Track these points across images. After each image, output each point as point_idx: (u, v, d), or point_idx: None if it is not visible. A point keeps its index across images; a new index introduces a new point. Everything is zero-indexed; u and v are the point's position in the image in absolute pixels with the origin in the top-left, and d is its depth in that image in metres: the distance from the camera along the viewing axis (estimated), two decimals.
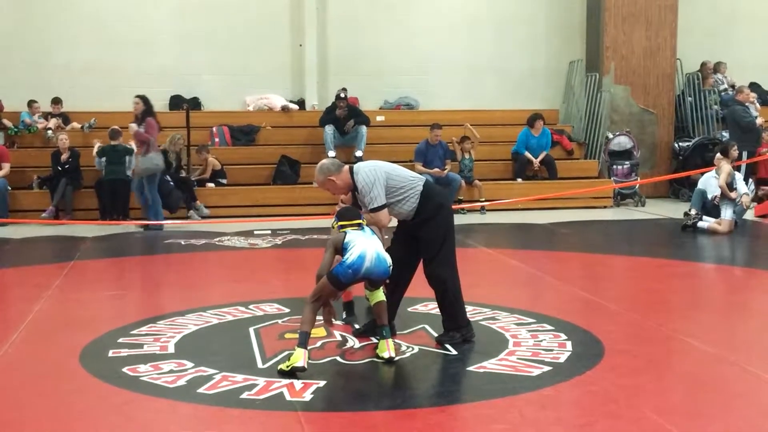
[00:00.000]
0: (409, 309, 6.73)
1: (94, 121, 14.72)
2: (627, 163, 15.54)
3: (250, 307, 7.09)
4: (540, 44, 17.09)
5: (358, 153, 14.46)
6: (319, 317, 5.51)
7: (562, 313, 6.81)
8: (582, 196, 14.77)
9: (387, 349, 5.48)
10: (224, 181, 14.37)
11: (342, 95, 14.83)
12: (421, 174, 6.85)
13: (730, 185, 11.62)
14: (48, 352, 5.89)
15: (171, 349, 5.85)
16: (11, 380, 5.29)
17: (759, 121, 14.79)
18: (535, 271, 9.14)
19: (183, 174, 13.98)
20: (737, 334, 6.63)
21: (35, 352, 5.92)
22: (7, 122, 14.57)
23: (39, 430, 4.46)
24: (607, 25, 16.09)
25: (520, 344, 5.91)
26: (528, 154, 15.16)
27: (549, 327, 6.37)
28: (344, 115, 14.75)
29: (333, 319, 5.70)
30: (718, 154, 12.05)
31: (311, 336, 5.35)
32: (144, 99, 12.33)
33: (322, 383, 5.05)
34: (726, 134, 15.12)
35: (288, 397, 4.82)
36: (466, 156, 14.56)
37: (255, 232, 11.77)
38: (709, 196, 11.68)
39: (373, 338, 5.90)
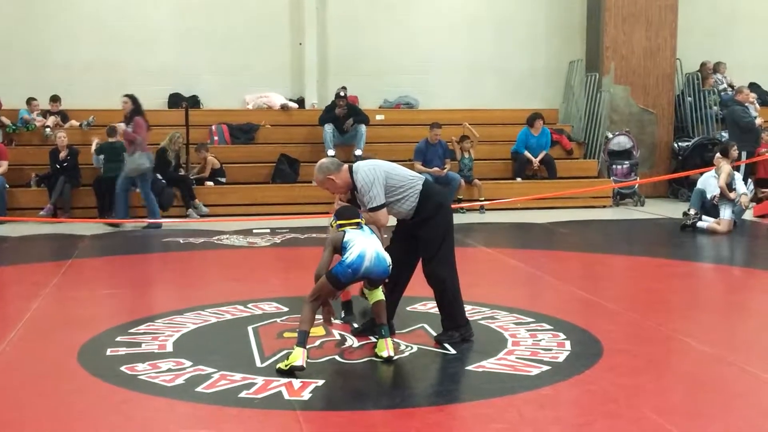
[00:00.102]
0: (408, 308, 6.73)
1: (93, 119, 14.70)
2: (626, 162, 15.54)
3: (249, 305, 7.08)
4: (540, 44, 17.09)
5: (358, 152, 14.44)
6: (318, 316, 5.51)
7: (561, 313, 6.80)
8: (581, 196, 14.77)
9: (386, 348, 5.47)
10: (223, 179, 14.35)
11: (342, 94, 14.82)
12: (420, 173, 6.84)
13: (729, 185, 11.62)
14: (46, 351, 5.88)
15: (169, 348, 5.84)
16: (9, 379, 5.28)
17: (758, 121, 14.78)
18: (534, 270, 9.14)
19: (182, 172, 13.96)
20: (736, 334, 6.63)
21: (33, 350, 5.91)
22: (5, 120, 14.55)
23: (37, 429, 4.45)
24: (607, 25, 16.09)
25: (519, 344, 5.90)
26: (527, 154, 15.15)
27: (548, 326, 6.37)
28: (344, 114, 14.75)
29: (332, 319, 5.69)
30: (718, 154, 12.05)
31: (310, 335, 5.34)
32: (132, 98, 12.28)
33: (320, 382, 5.04)
34: (725, 134, 15.12)
35: (286, 396, 4.81)
36: (466, 155, 14.56)
37: (254, 231, 11.76)
38: (708, 196, 11.68)
39: (371, 337, 5.90)
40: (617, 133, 15.75)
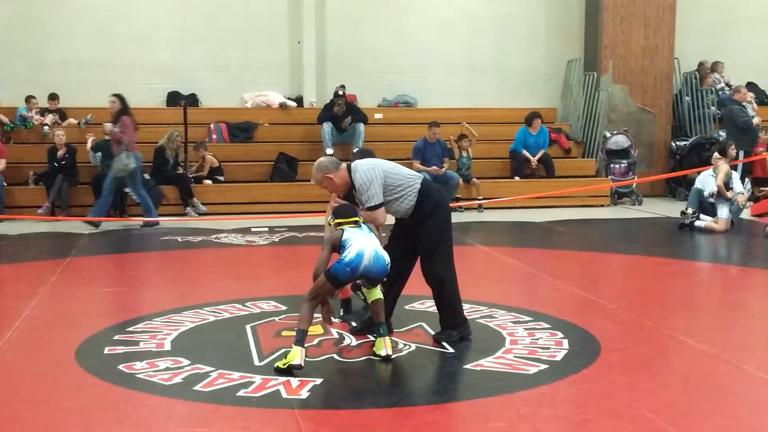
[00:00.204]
0: (406, 307, 6.73)
1: (91, 117, 14.68)
2: (624, 161, 15.56)
3: (247, 304, 7.09)
4: (538, 43, 17.09)
5: (356, 151, 14.40)
6: (317, 315, 5.51)
7: (559, 312, 6.82)
8: (579, 195, 14.78)
9: (384, 346, 5.48)
10: (222, 178, 14.35)
11: (340, 92, 14.82)
12: (419, 172, 6.84)
13: (727, 184, 11.63)
14: (44, 349, 5.88)
15: (167, 347, 5.84)
16: (7, 377, 5.28)
17: (756, 120, 14.79)
18: (532, 269, 9.15)
19: (180, 171, 13.96)
20: (733, 332, 6.65)
21: (31, 349, 5.92)
22: (3, 118, 14.53)
23: (34, 427, 4.44)
24: (606, 24, 16.10)
25: (517, 342, 5.91)
26: (526, 153, 15.16)
27: (546, 325, 6.38)
28: (342, 113, 14.74)
29: (332, 318, 5.69)
30: (716, 154, 12.06)
31: (308, 334, 5.35)
32: (120, 98, 12.22)
33: (318, 381, 5.05)
34: (723, 134, 15.13)
35: (285, 395, 4.81)
36: (464, 154, 14.57)
37: (252, 230, 11.76)
38: (706, 193, 11.70)
39: (370, 336, 5.91)
40: (615, 132, 15.77)
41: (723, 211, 11.52)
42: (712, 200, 11.63)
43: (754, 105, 15.87)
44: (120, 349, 5.78)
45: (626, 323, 6.58)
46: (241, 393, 4.85)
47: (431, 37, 16.57)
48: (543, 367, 5.34)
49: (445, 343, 5.84)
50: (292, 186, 14.30)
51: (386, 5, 16.60)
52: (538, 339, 5.99)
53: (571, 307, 7.18)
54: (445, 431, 4.51)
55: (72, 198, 13.30)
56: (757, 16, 17.72)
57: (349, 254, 5.30)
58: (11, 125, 14.55)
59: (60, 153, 13.36)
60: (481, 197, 14.32)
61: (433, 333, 6.07)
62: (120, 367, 5.36)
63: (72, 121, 14.80)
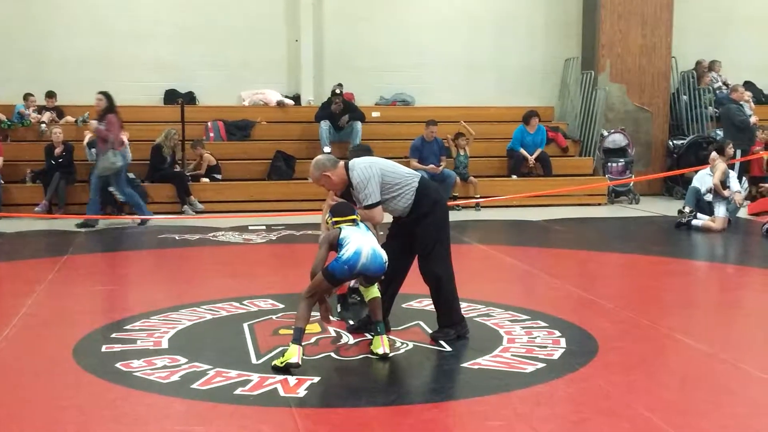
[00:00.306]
0: (403, 305, 6.73)
1: (88, 115, 14.66)
2: (621, 160, 15.57)
3: (245, 302, 7.09)
4: (536, 42, 17.09)
5: (353, 147, 14.40)
6: (315, 313, 5.50)
7: (556, 310, 6.82)
8: (576, 194, 14.78)
9: (381, 345, 5.48)
10: (219, 176, 14.34)
11: (338, 91, 14.82)
12: (416, 170, 6.84)
13: (724, 183, 11.64)
14: (41, 347, 5.88)
15: (164, 345, 5.84)
16: (4, 375, 5.28)
17: (753, 119, 14.82)
18: (529, 268, 9.15)
19: (177, 169, 13.95)
20: (730, 331, 6.66)
21: (28, 347, 5.91)
22: (0, 116, 14.51)
23: (32, 426, 4.44)
24: (603, 23, 16.10)
25: (515, 341, 5.91)
26: (523, 151, 15.16)
27: (543, 324, 6.38)
28: (339, 111, 14.74)
29: (330, 316, 5.69)
30: (714, 153, 12.07)
31: (306, 332, 5.35)
32: (107, 95, 12.13)
33: (316, 379, 5.05)
34: (720, 133, 15.15)
35: (282, 393, 4.81)
36: (461, 152, 14.57)
37: (249, 228, 11.75)
38: (703, 190, 11.72)
39: (367, 334, 5.90)
40: (612, 131, 15.77)
41: (720, 210, 11.53)
42: (709, 196, 11.63)
43: (752, 104, 15.90)
44: (117, 347, 5.78)
45: (624, 322, 6.58)
46: (238, 391, 4.85)
47: (428, 35, 16.57)
48: (540, 365, 5.35)
49: (442, 342, 5.84)
50: (289, 184, 14.30)
51: (384, 4, 16.61)
52: (535, 338, 6.00)
53: (569, 306, 7.18)
54: (443, 430, 4.51)
55: (69, 196, 13.29)
56: (755, 15, 17.73)
57: (346, 252, 5.30)
58: (8, 123, 14.53)
59: (57, 151, 13.34)
60: (478, 196, 14.34)
61: (430, 331, 6.07)
62: (117, 365, 5.36)
63: (69, 119, 14.80)
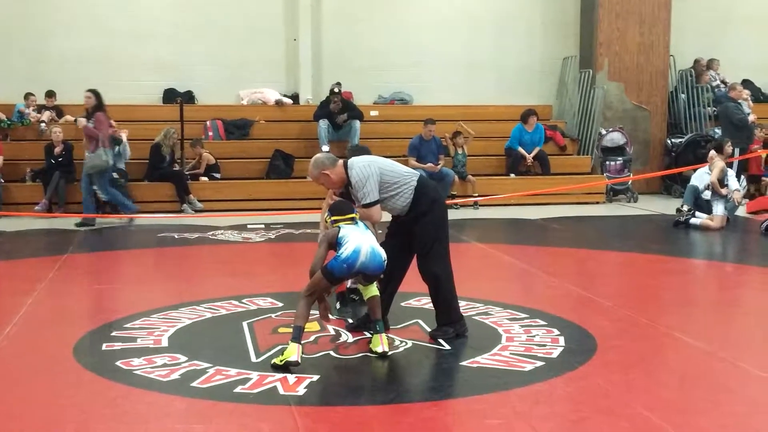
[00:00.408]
0: (402, 304, 6.74)
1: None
2: (620, 159, 15.59)
3: (244, 301, 7.10)
4: (534, 40, 17.10)
5: (352, 146, 14.41)
6: (314, 312, 5.51)
7: (554, 309, 6.83)
8: (575, 192, 14.78)
9: (380, 343, 5.49)
10: (218, 175, 14.35)
11: (336, 90, 14.83)
12: (414, 169, 6.86)
13: (722, 181, 11.66)
14: (41, 346, 5.88)
15: (164, 343, 5.85)
16: (5, 373, 5.28)
17: (751, 118, 14.83)
18: (527, 266, 9.17)
19: (176, 168, 13.96)
20: (728, 330, 6.67)
21: (29, 345, 5.92)
22: (0, 115, 14.52)
23: (32, 424, 4.45)
24: (601, 21, 16.10)
25: (513, 339, 5.92)
26: (521, 150, 15.17)
27: (542, 322, 6.39)
28: (338, 110, 14.75)
29: (329, 315, 5.70)
30: (712, 151, 12.08)
31: (305, 330, 5.36)
32: (95, 93, 12.09)
33: (315, 378, 5.06)
34: (718, 131, 15.16)
35: (281, 392, 4.82)
36: (459, 151, 14.58)
37: (248, 226, 11.76)
38: (701, 188, 11.74)
39: (366, 333, 5.91)
40: (611, 129, 15.78)
41: (718, 209, 11.54)
42: (707, 194, 11.65)
43: (750, 102, 15.89)
44: (117, 346, 5.78)
45: (622, 320, 6.59)
46: (238, 389, 4.86)
47: (426, 34, 16.56)
48: (539, 364, 5.36)
49: (441, 340, 5.85)
50: (288, 183, 14.31)
51: (383, 3, 16.62)
52: (534, 336, 6.01)
53: (567, 305, 7.19)
54: (442, 428, 4.52)
55: (69, 195, 13.26)
56: (753, 14, 17.74)
57: (345, 251, 5.31)
58: (8, 122, 14.53)
59: (57, 150, 13.34)
60: (476, 194, 14.34)
61: (429, 330, 6.08)
62: (118, 363, 5.37)
63: (69, 118, 14.78)
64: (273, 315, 6.64)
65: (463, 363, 5.43)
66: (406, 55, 16.54)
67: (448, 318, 5.98)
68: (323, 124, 14.71)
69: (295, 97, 16.23)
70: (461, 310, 6.11)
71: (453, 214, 10.83)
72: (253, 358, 5.48)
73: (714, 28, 17.51)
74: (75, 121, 14.50)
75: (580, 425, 4.44)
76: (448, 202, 11.92)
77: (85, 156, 12.21)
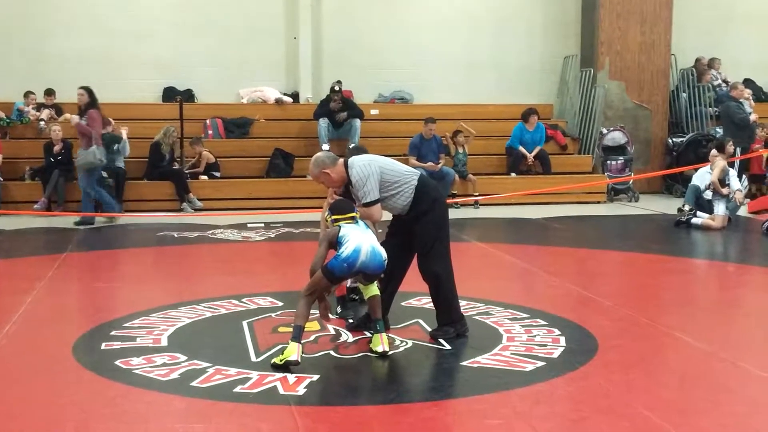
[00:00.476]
0: (402, 303, 6.73)
1: None
2: (621, 158, 15.57)
3: (244, 300, 7.08)
4: (535, 39, 17.09)
5: (352, 146, 14.39)
6: (314, 311, 5.50)
7: (555, 309, 6.82)
8: (576, 191, 14.76)
9: (381, 343, 5.47)
10: (218, 173, 14.33)
11: (337, 88, 14.81)
12: (415, 168, 6.84)
13: (723, 181, 11.64)
14: (40, 345, 5.87)
15: (164, 342, 5.84)
16: (4, 372, 5.27)
17: (753, 117, 14.81)
18: (528, 266, 9.15)
19: (176, 166, 13.95)
20: (729, 330, 6.65)
21: (28, 344, 5.91)
22: (0, 113, 14.52)
23: (31, 423, 4.44)
24: (602, 20, 16.09)
25: (514, 339, 5.91)
26: (522, 149, 15.15)
27: (543, 322, 6.38)
28: (338, 108, 14.73)
29: (329, 314, 5.69)
30: (714, 150, 12.06)
31: (305, 330, 5.34)
32: (88, 91, 12.08)
33: (315, 377, 5.05)
34: (719, 130, 15.14)
35: (281, 391, 4.81)
36: (460, 150, 14.57)
37: (248, 225, 11.75)
38: (703, 187, 11.73)
39: (366, 332, 5.90)
40: (612, 128, 15.77)
41: (719, 208, 11.53)
42: (709, 194, 11.64)
43: (752, 102, 15.88)
44: (117, 345, 5.77)
45: (623, 320, 6.58)
46: (237, 389, 4.85)
47: (427, 33, 16.56)
48: (540, 364, 5.34)
49: (441, 340, 5.84)
50: (288, 182, 14.30)
51: (383, 2, 16.60)
52: (534, 336, 5.99)
53: (568, 304, 7.18)
54: (442, 428, 4.51)
55: (68, 193, 13.24)
56: (754, 13, 17.73)
57: (346, 250, 5.29)
58: (7, 120, 14.52)
59: (56, 148, 13.32)
60: (477, 193, 14.33)
61: (429, 330, 6.07)
62: (117, 362, 5.36)
63: (68, 116, 14.75)
64: (273, 314, 6.63)
65: (464, 363, 5.41)
66: (407, 55, 16.53)
67: (448, 318, 5.97)
68: (323, 122, 14.70)
69: (295, 96, 16.22)
70: (462, 310, 6.10)
71: (453, 214, 10.82)
72: (253, 358, 5.46)
73: (715, 27, 17.50)
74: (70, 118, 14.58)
75: (581, 425, 4.42)
76: (449, 201, 11.91)
77: (77, 152, 12.20)
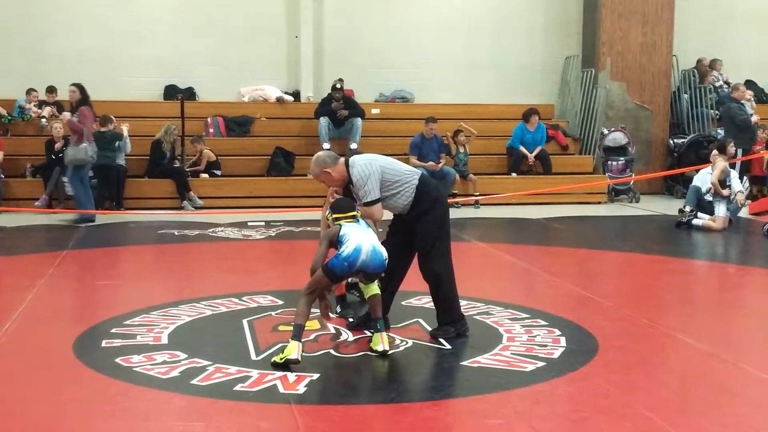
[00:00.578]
0: (403, 303, 6.73)
1: None
2: (622, 159, 15.57)
3: (244, 298, 7.08)
4: (536, 39, 17.09)
5: (353, 146, 14.43)
6: (314, 310, 5.50)
7: (556, 309, 6.81)
8: (576, 192, 14.75)
9: (381, 342, 5.47)
10: (218, 172, 14.34)
11: (338, 86, 14.81)
12: (415, 167, 6.84)
13: (724, 182, 11.64)
14: (41, 342, 5.87)
15: (164, 340, 5.84)
16: (4, 370, 5.27)
17: (754, 118, 14.80)
18: (528, 266, 9.15)
19: (177, 164, 13.95)
20: (730, 331, 6.65)
21: (28, 341, 5.91)
22: (0, 110, 14.51)
23: (32, 421, 4.44)
24: (604, 21, 16.09)
25: (514, 339, 5.91)
26: (523, 149, 15.15)
27: (543, 322, 6.37)
28: (340, 108, 14.72)
29: (329, 313, 5.69)
30: (715, 151, 12.06)
31: (305, 329, 5.34)
32: (80, 87, 12.05)
33: (315, 376, 5.04)
34: (721, 131, 15.13)
35: (281, 390, 4.81)
36: (461, 150, 14.57)
37: (249, 224, 11.75)
38: (704, 189, 11.73)
39: (367, 331, 5.90)
40: (613, 129, 15.77)
41: (720, 210, 11.53)
42: (709, 197, 11.64)
43: (753, 103, 15.88)
44: (117, 342, 5.77)
45: (623, 321, 6.58)
46: (238, 387, 4.85)
47: (429, 33, 16.57)
48: (540, 364, 5.34)
49: (442, 340, 5.84)
50: (288, 180, 14.31)
51: (384, 2, 16.60)
52: (535, 336, 5.99)
53: (568, 305, 7.18)
54: (442, 428, 4.51)
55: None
56: (755, 13, 17.73)
57: (346, 249, 5.29)
58: (9, 117, 14.53)
59: (57, 145, 13.32)
60: (477, 193, 14.33)
61: (430, 329, 6.07)
62: (117, 360, 5.36)
63: (67, 115, 14.73)
64: (273, 313, 6.62)
65: (464, 363, 5.41)
66: (408, 54, 16.54)
67: (449, 317, 5.97)
68: (324, 121, 14.70)
69: (296, 95, 16.22)
70: (462, 310, 6.09)
71: (454, 213, 10.80)
72: (253, 356, 5.46)
73: (716, 27, 17.50)
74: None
75: (581, 425, 4.42)
76: (449, 200, 11.91)
77: (67, 148, 12.18)
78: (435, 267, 5.90)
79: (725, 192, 11.58)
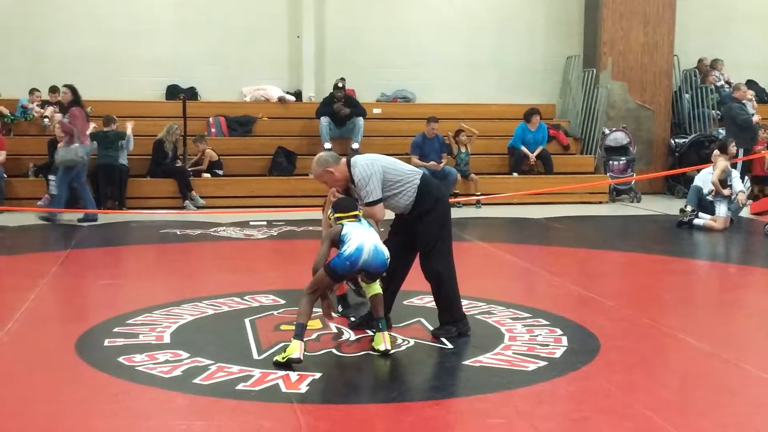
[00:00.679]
0: (405, 302, 6.73)
1: (91, 110, 14.53)
2: (623, 158, 15.57)
3: (246, 298, 7.09)
4: (538, 39, 17.10)
5: (355, 145, 14.44)
6: (316, 309, 5.51)
7: (557, 308, 6.82)
8: (578, 192, 14.76)
9: (383, 341, 5.48)
10: (220, 171, 14.35)
11: (340, 85, 14.82)
12: (417, 167, 6.85)
13: (724, 182, 11.64)
14: (44, 341, 5.89)
15: (167, 339, 5.85)
16: (7, 369, 5.28)
17: (756, 118, 14.80)
18: (530, 265, 9.16)
19: (179, 164, 13.96)
20: (731, 331, 6.65)
21: (31, 340, 5.92)
22: (3, 110, 14.53)
23: (34, 420, 4.45)
24: (605, 20, 16.10)
25: (516, 339, 5.92)
26: (524, 149, 15.17)
27: (545, 322, 6.38)
28: (341, 109, 14.72)
29: (331, 312, 5.70)
30: (716, 151, 12.07)
31: (307, 328, 5.35)
32: (72, 89, 12.09)
33: (317, 375, 5.05)
34: (722, 131, 15.14)
35: (283, 389, 4.82)
36: (462, 149, 14.58)
37: (250, 223, 11.76)
38: (705, 190, 11.73)
39: (369, 331, 5.91)
40: (614, 129, 15.77)
41: (721, 209, 11.53)
42: (710, 197, 11.64)
43: (754, 103, 15.87)
44: (120, 342, 5.78)
45: (624, 321, 6.59)
46: (240, 386, 4.85)
47: (430, 32, 16.58)
48: (542, 364, 5.35)
49: (443, 339, 5.84)
50: (290, 180, 14.32)
51: (385, 2, 16.61)
52: (537, 336, 6.00)
53: (570, 304, 7.19)
54: (443, 427, 4.51)
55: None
56: (756, 13, 17.73)
57: (348, 248, 5.30)
58: (11, 117, 14.54)
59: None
60: (479, 193, 14.34)
61: (431, 328, 6.07)
62: (120, 359, 5.36)
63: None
64: (275, 312, 6.63)
65: (466, 362, 5.42)
66: (410, 53, 16.55)
67: (450, 317, 5.97)
68: (325, 121, 14.71)
69: (297, 94, 16.23)
70: (464, 309, 6.10)
71: (455, 213, 10.80)
72: (255, 356, 5.47)
73: (717, 27, 17.50)
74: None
75: (582, 425, 4.43)
76: (451, 200, 11.92)
77: (58, 149, 12.16)
78: (437, 266, 5.90)
79: (726, 192, 11.59)
